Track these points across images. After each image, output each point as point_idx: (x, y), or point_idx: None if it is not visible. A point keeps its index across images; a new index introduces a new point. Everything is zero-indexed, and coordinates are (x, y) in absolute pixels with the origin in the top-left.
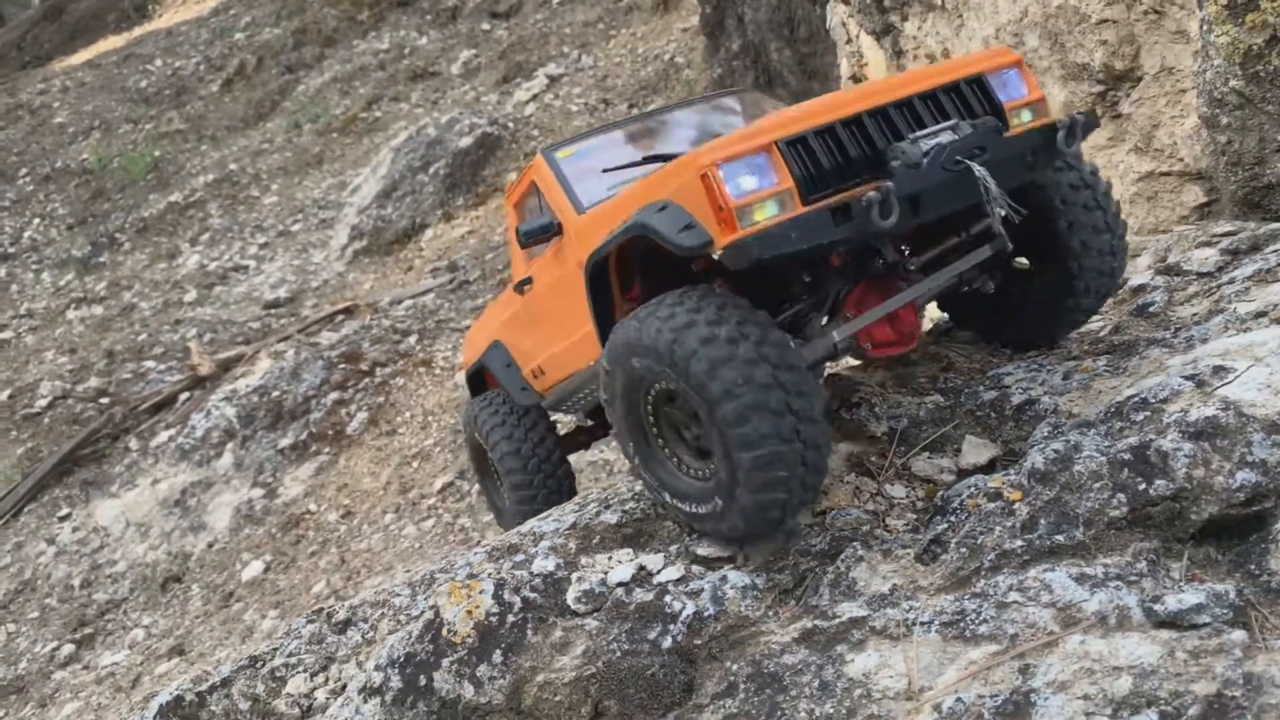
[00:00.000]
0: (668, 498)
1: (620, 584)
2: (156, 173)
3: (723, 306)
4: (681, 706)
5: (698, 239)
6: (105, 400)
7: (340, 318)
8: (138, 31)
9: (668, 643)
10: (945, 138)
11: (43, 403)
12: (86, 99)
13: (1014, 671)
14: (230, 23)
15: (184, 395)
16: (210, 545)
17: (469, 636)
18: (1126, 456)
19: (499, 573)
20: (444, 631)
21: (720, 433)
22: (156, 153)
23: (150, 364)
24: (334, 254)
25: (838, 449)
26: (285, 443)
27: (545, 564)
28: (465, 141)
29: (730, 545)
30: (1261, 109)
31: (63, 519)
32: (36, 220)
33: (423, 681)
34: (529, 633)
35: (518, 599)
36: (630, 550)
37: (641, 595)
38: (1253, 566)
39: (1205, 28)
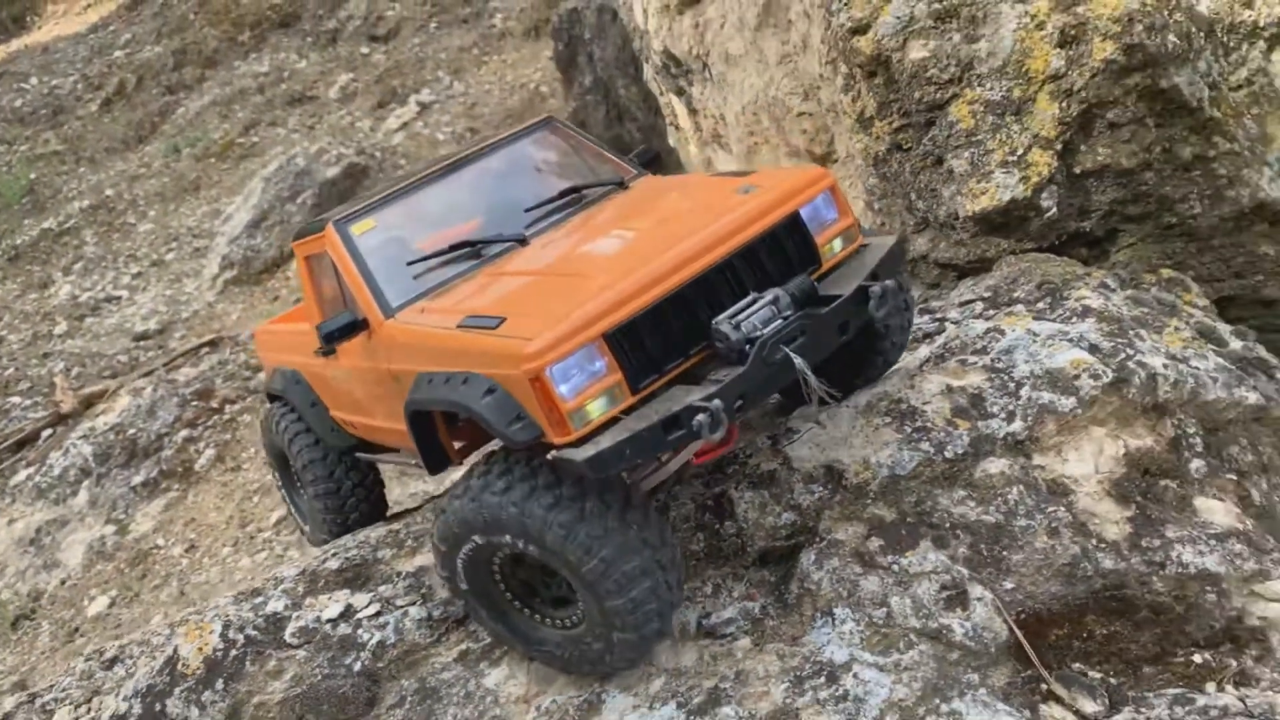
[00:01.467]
0: (536, 650)
1: (329, 620)
2: (32, 196)
3: (548, 473)
4: (364, 718)
5: (530, 433)
6: None
7: (205, 350)
8: (15, 45)
9: (358, 666)
10: (763, 317)
11: None
12: None
13: (595, 678)
14: (110, 40)
15: (46, 432)
16: (62, 582)
17: (198, 668)
18: (709, 503)
19: (230, 615)
20: (179, 665)
21: (588, 587)
22: (32, 175)
23: (15, 399)
24: (205, 284)
25: None
26: (138, 480)
27: (275, 605)
28: (332, 172)
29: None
30: (893, 201)
31: None
32: None
33: (158, 707)
34: (247, 664)
35: (241, 636)
36: (348, 591)
37: (344, 629)
38: (782, 587)
39: (849, 136)
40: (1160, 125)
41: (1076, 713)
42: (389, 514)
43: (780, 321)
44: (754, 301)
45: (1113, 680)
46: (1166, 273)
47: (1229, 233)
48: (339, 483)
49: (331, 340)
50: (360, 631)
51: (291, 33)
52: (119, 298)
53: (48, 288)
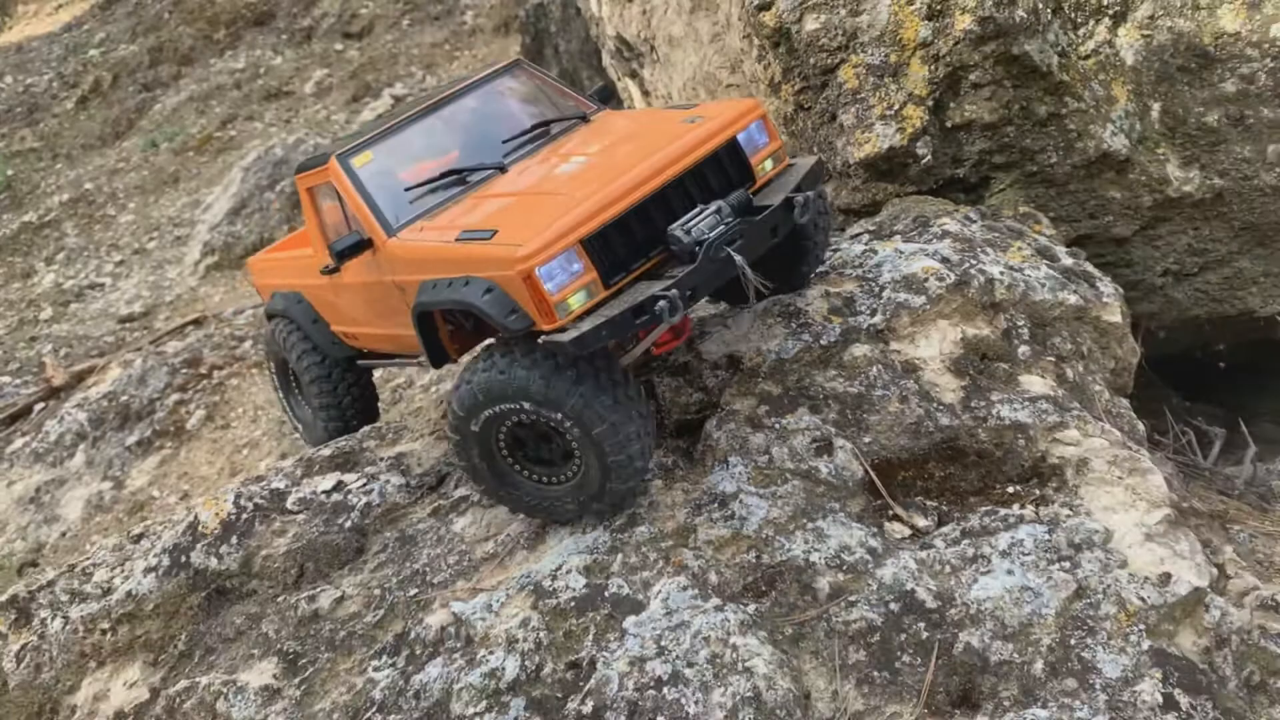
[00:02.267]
0: (533, 505)
1: (324, 491)
2: (10, 192)
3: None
4: (354, 562)
5: (524, 323)
6: None
7: (189, 329)
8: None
9: (348, 524)
10: (708, 223)
11: None
12: None
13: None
14: (84, 39)
15: (39, 406)
16: (63, 534)
17: (216, 529)
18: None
19: (240, 490)
20: (199, 527)
21: (595, 446)
22: (9, 171)
23: (5, 379)
24: (187, 269)
25: None
26: (132, 440)
27: (278, 484)
28: None
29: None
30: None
31: None
32: None
33: (183, 559)
34: (257, 524)
35: (250, 504)
36: (338, 472)
37: (336, 497)
38: (690, 449)
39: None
40: (1017, 86)
41: (912, 527)
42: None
43: (723, 227)
44: (701, 211)
45: (943, 506)
46: (1024, 209)
47: (1082, 179)
48: (339, 389)
49: (343, 257)
50: (349, 498)
51: (267, 30)
52: (103, 284)
53: (30, 277)
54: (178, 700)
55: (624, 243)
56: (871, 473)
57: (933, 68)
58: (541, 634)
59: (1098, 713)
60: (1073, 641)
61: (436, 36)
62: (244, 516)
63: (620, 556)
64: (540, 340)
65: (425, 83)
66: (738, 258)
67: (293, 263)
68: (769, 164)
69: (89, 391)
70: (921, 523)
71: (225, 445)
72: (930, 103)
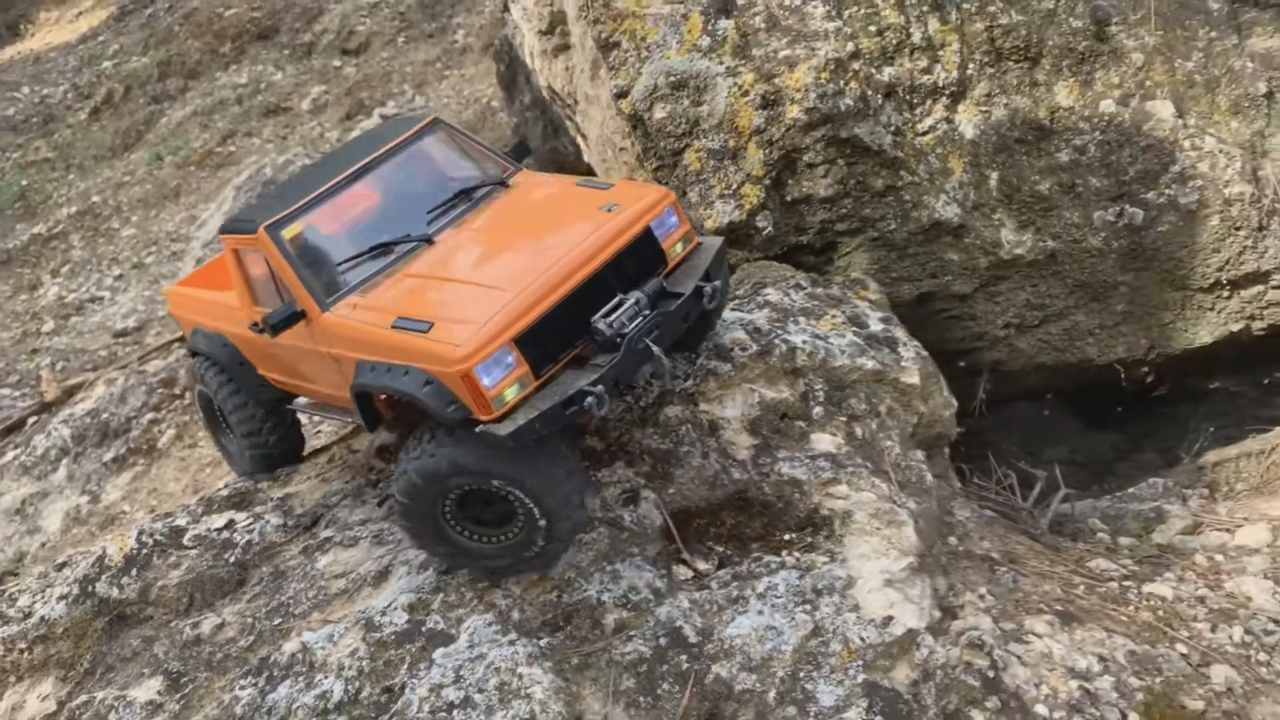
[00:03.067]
0: (475, 562)
1: (216, 529)
2: (24, 202)
3: None
4: (235, 593)
5: (462, 413)
6: None
7: (175, 344)
8: (8, 52)
9: (233, 559)
10: (628, 314)
11: None
12: None
13: (390, 553)
14: (99, 50)
15: (31, 420)
16: (43, 545)
17: (119, 561)
18: None
19: (145, 527)
20: (105, 560)
21: (547, 511)
22: (24, 181)
23: (5, 391)
24: None
25: None
26: (109, 457)
27: (180, 521)
28: None
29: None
30: None
31: None
32: None
33: (91, 589)
34: (155, 558)
35: (151, 540)
36: (233, 510)
37: (226, 535)
38: None
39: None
40: (851, 163)
41: (695, 570)
42: (305, 453)
43: (641, 319)
44: (620, 303)
45: (727, 551)
46: (855, 275)
47: (920, 244)
48: (264, 429)
49: (277, 330)
50: (236, 535)
51: (270, 45)
52: (102, 298)
53: (37, 289)
54: (78, 712)
55: (552, 335)
56: (669, 521)
57: (767, 151)
58: (365, 662)
59: None
60: (801, 674)
61: (429, 54)
62: (144, 551)
63: (441, 596)
64: (477, 430)
65: (414, 102)
66: (655, 349)
67: (217, 307)
68: (679, 246)
69: (75, 408)
70: (703, 566)
71: (192, 463)
72: (768, 181)
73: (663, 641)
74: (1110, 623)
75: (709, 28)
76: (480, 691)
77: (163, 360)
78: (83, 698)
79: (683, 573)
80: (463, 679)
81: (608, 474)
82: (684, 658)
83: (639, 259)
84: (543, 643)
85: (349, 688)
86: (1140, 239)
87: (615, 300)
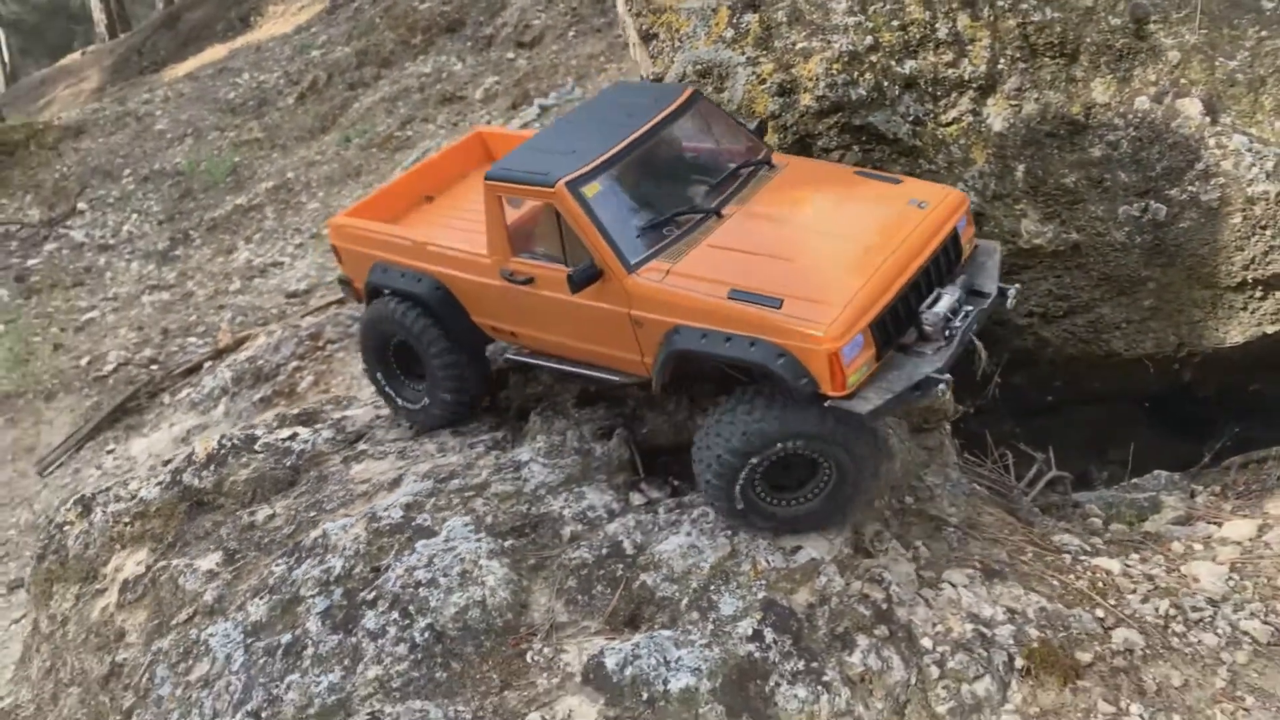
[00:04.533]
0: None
1: (283, 439)
2: (235, 176)
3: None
4: (287, 490)
5: (811, 388)
6: (154, 366)
7: (332, 307)
8: (239, 42)
9: (289, 462)
10: (948, 307)
11: (109, 368)
12: (184, 108)
13: (406, 461)
14: (310, 40)
15: (207, 364)
16: None
17: (202, 459)
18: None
19: (227, 433)
20: (192, 456)
21: (853, 475)
22: (236, 158)
23: (193, 339)
24: None
25: None
26: (258, 397)
27: (257, 431)
28: None
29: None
30: None
31: (109, 452)
32: (135, 215)
33: (179, 479)
34: (229, 458)
35: (230, 444)
36: (300, 426)
37: (289, 444)
38: (518, 426)
39: None
40: (867, 150)
41: (648, 497)
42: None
43: (964, 312)
44: (939, 296)
45: (682, 484)
46: None
47: None
48: (468, 376)
49: (580, 286)
50: (295, 444)
51: (456, 37)
52: (282, 263)
53: (232, 253)
54: (159, 574)
55: (892, 322)
56: (635, 453)
57: (783, 135)
58: (363, 546)
59: (704, 636)
60: (711, 587)
61: (595, 48)
62: (223, 452)
63: (434, 499)
64: (826, 404)
65: (573, 93)
66: (978, 342)
67: (436, 251)
68: (968, 247)
69: (239, 355)
70: (655, 494)
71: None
72: None
73: (605, 551)
74: (1037, 584)
75: (734, 21)
76: (445, 575)
77: (315, 318)
78: (162, 563)
79: (637, 498)
80: (433, 564)
81: (590, 412)
82: (620, 566)
83: (946, 256)
84: (507, 543)
85: (346, 565)
86: (1163, 235)
87: (935, 294)
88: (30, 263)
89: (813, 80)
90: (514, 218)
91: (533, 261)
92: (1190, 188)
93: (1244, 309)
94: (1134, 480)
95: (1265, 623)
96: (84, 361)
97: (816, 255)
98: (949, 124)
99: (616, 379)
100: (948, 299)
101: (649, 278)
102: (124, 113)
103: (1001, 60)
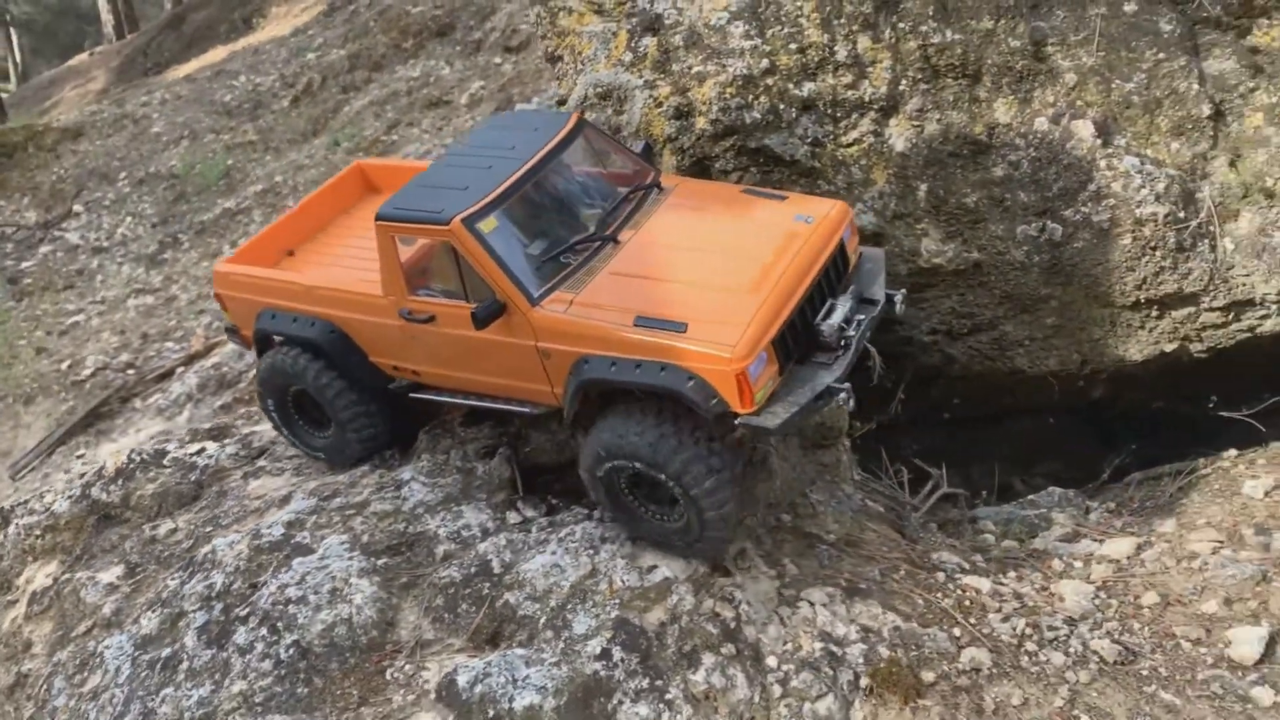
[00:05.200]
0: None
1: (191, 454)
2: (227, 179)
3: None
4: (190, 505)
5: (722, 409)
6: (130, 371)
7: None
8: (241, 43)
9: (194, 477)
10: (842, 317)
11: (87, 372)
12: (181, 110)
13: (291, 485)
14: (306, 43)
15: (179, 369)
16: None
17: (112, 473)
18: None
19: (138, 448)
20: (103, 470)
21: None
22: (229, 161)
23: (170, 344)
24: None
25: None
26: (219, 404)
27: (167, 446)
28: None
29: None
30: None
31: (79, 457)
32: (129, 218)
33: (88, 492)
34: (138, 473)
35: (139, 458)
36: (210, 441)
37: (195, 459)
38: (408, 448)
39: None
40: (765, 171)
41: (523, 515)
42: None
43: (858, 320)
44: (832, 307)
45: (559, 503)
46: None
47: None
48: (373, 413)
49: (484, 322)
50: (201, 460)
51: (445, 41)
52: None
53: (217, 256)
54: (63, 587)
55: (790, 337)
56: (516, 472)
57: (680, 158)
58: (244, 563)
59: (555, 654)
60: (568, 606)
61: None
62: (132, 466)
63: (315, 518)
64: (737, 422)
65: (553, 97)
66: (871, 348)
67: (328, 293)
68: (853, 256)
69: (207, 361)
70: (530, 513)
71: None
72: None
73: (473, 570)
74: (900, 602)
75: (633, 44)
76: (315, 593)
77: None
78: (68, 576)
79: (514, 517)
80: (305, 582)
81: (475, 431)
82: (486, 585)
83: (835, 267)
84: (380, 562)
85: (227, 580)
86: (1060, 255)
87: (828, 305)
88: (24, 265)
89: (707, 104)
90: (408, 255)
91: (432, 299)
92: (1083, 209)
93: (1141, 327)
94: (1030, 497)
95: (1116, 642)
96: (64, 365)
97: (714, 276)
98: (849, 145)
99: (526, 410)
100: (841, 309)
101: (553, 309)
102: (121, 115)
103: (903, 81)
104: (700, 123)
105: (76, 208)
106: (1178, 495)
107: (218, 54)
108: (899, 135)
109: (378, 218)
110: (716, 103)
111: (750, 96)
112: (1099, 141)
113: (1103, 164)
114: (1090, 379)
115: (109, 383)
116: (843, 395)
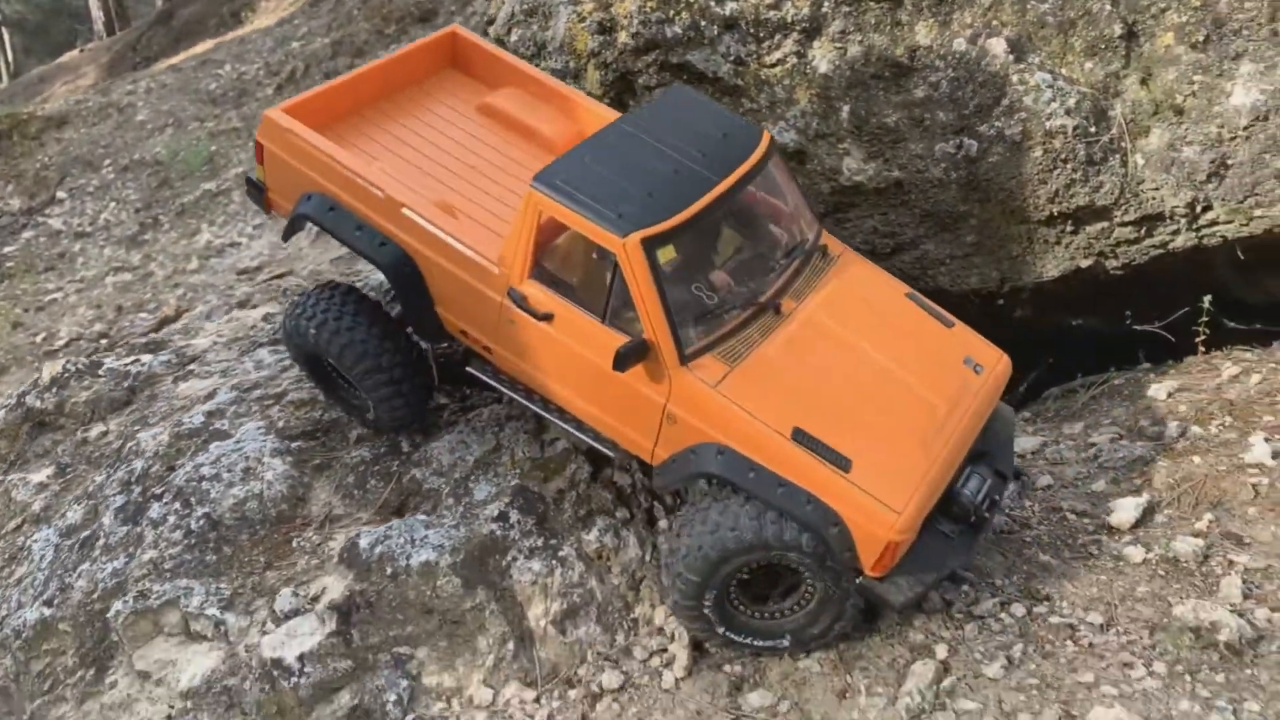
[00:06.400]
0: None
1: (125, 364)
2: (211, 165)
3: None
4: (123, 410)
5: (851, 563)
6: (104, 340)
7: (276, 281)
8: (229, 37)
9: (128, 384)
10: (977, 487)
11: (61, 342)
12: (165, 99)
13: (217, 385)
14: (292, 32)
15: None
16: None
17: (48, 381)
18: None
19: (72, 357)
20: (38, 380)
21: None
22: (213, 148)
23: (144, 315)
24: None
25: None
26: None
27: (103, 358)
28: None
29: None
30: None
31: None
32: (113, 204)
33: (23, 400)
34: (72, 381)
35: (74, 367)
36: (145, 354)
37: (129, 368)
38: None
39: None
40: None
41: (437, 402)
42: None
43: (988, 494)
44: (970, 475)
45: (470, 391)
46: None
47: None
48: (406, 368)
49: (626, 366)
50: (135, 368)
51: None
52: (240, 244)
53: (195, 235)
54: None
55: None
56: (434, 363)
57: (604, 73)
58: (164, 449)
59: (455, 518)
60: (471, 477)
61: None
62: (67, 375)
63: (235, 407)
64: (859, 582)
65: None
66: (994, 522)
67: (412, 223)
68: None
69: (176, 324)
70: (444, 401)
71: None
72: (608, 100)
73: (383, 450)
74: None
75: None
76: (229, 472)
77: (248, 287)
78: (3, 478)
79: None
80: (220, 462)
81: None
82: (395, 463)
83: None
84: (294, 445)
85: (146, 465)
86: (975, 170)
87: (967, 472)
88: (6, 249)
89: (628, 17)
90: (563, 252)
91: (557, 296)
92: (997, 123)
93: (1057, 243)
94: None
95: (1008, 516)
96: (39, 338)
97: (885, 409)
98: (773, 65)
99: (601, 448)
100: (977, 480)
101: (702, 376)
102: (106, 104)
103: (826, 4)
104: (622, 37)
105: (60, 194)
106: (1089, 403)
107: (205, 47)
108: (822, 57)
109: (535, 182)
110: (637, 16)
111: (671, 12)
112: (1012, 58)
113: (1015, 80)
114: (1011, 298)
115: (82, 351)
116: (965, 588)
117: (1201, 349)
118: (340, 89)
